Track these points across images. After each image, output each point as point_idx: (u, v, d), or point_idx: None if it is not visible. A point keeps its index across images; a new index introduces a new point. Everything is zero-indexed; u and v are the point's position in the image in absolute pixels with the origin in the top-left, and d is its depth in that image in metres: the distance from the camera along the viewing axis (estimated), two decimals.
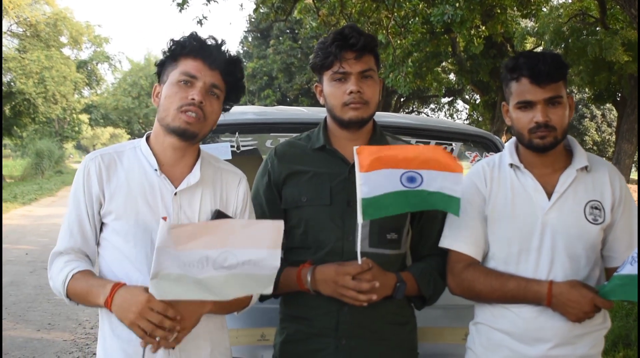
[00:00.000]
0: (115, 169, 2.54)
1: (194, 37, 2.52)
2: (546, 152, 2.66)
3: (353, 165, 2.73)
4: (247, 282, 2.34)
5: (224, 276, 2.29)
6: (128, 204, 2.48)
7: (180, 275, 2.24)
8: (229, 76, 2.56)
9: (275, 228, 2.37)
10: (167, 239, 2.24)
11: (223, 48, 2.55)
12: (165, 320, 2.26)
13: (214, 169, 2.66)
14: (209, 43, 2.53)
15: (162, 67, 2.58)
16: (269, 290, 2.36)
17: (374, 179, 2.52)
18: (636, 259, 2.40)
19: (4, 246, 10.49)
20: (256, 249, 2.33)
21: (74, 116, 50.27)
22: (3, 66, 32.67)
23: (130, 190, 2.50)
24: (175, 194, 2.52)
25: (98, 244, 2.58)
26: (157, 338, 2.29)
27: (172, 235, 2.26)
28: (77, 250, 2.54)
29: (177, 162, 2.57)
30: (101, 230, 2.56)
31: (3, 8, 31.03)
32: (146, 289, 2.28)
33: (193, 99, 2.43)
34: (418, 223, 2.91)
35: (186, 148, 2.55)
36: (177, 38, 2.54)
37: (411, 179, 2.54)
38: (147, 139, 2.62)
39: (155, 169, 2.52)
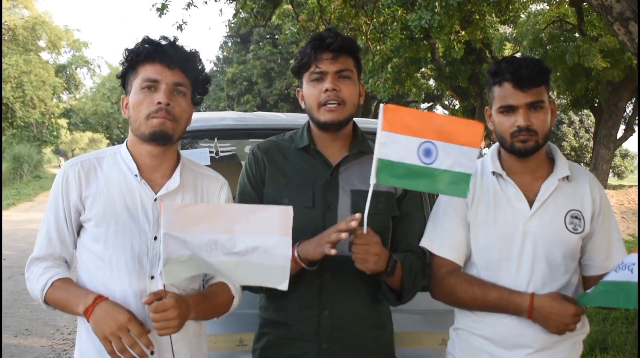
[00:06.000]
0: (95, 176, 2.53)
1: (146, 41, 2.50)
2: (528, 156, 2.68)
3: (335, 167, 2.75)
4: (260, 272, 2.30)
5: (235, 262, 2.27)
6: (108, 210, 2.48)
7: (191, 255, 2.22)
8: (190, 71, 2.54)
9: (284, 214, 2.31)
10: (174, 221, 2.22)
11: (178, 45, 2.52)
12: (136, 345, 2.27)
13: (195, 175, 2.66)
14: (163, 44, 2.50)
15: (125, 78, 2.56)
16: (284, 286, 2.31)
17: (394, 142, 2.43)
18: (622, 267, 2.42)
19: None
20: (265, 236, 2.28)
21: (53, 120, 49.85)
22: None
23: (109, 196, 2.49)
24: (155, 199, 2.51)
25: (76, 248, 2.58)
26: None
27: (179, 215, 2.23)
28: (57, 256, 2.54)
29: (157, 168, 2.56)
30: (79, 234, 2.56)
31: None
32: (130, 311, 2.30)
33: (159, 102, 2.42)
34: (398, 222, 2.87)
35: (164, 153, 2.55)
36: (131, 47, 2.52)
37: (427, 153, 2.45)
38: (127, 144, 2.60)
39: (136, 175, 2.52)
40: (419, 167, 2.45)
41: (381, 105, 2.44)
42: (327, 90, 2.68)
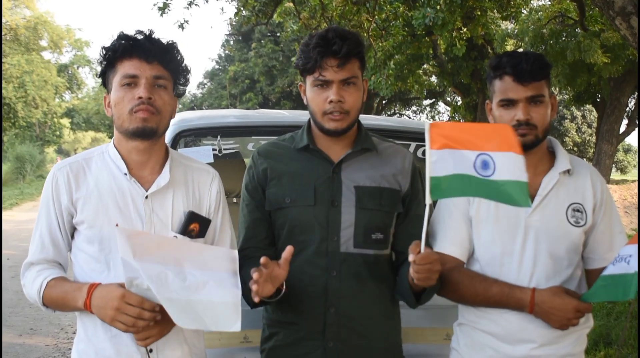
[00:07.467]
0: (85, 177, 2.51)
1: (122, 37, 2.47)
2: (527, 151, 2.65)
3: (337, 164, 2.71)
4: (210, 313, 2.29)
5: (185, 301, 2.25)
6: (99, 211, 2.46)
7: (149, 288, 2.20)
8: (169, 63, 2.51)
9: (230, 256, 2.43)
10: (127, 247, 2.22)
11: (154, 38, 2.49)
12: (143, 312, 2.25)
13: (185, 169, 2.64)
14: (139, 38, 2.47)
15: (105, 76, 2.54)
16: (236, 327, 2.29)
17: (445, 158, 2.35)
18: (619, 260, 2.43)
19: None
20: (213, 271, 2.35)
21: (55, 120, 49.86)
22: None
23: (100, 197, 2.47)
24: (147, 197, 2.50)
25: (71, 251, 2.57)
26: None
27: (131, 242, 2.24)
28: (50, 260, 2.54)
29: (145, 164, 2.54)
30: (73, 236, 2.55)
31: None
32: (121, 285, 2.28)
33: (140, 97, 2.39)
34: (403, 221, 2.82)
35: (151, 148, 2.53)
36: (107, 44, 2.50)
37: (485, 165, 2.34)
38: (114, 143, 2.58)
39: (125, 174, 2.50)
40: (477, 179, 2.35)
41: (426, 122, 2.37)
42: (331, 101, 2.60)
